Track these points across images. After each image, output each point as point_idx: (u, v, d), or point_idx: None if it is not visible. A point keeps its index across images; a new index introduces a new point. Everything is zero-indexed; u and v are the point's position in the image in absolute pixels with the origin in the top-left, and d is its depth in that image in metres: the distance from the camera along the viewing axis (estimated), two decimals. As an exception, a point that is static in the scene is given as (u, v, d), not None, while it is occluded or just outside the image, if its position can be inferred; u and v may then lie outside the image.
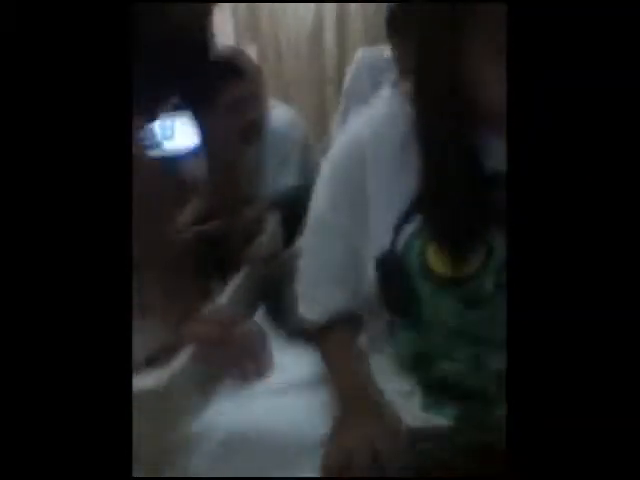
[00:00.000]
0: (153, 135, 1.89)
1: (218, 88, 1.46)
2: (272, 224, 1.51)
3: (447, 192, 0.54)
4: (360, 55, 1.64)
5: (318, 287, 0.67)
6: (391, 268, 0.59)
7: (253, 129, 1.62)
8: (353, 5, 2.46)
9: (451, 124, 0.53)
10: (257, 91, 1.55)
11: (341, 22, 2.53)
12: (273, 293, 1.15)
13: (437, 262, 0.56)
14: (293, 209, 0.96)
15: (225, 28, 2.55)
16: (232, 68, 1.47)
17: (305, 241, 0.68)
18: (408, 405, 0.65)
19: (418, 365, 0.65)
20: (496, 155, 0.54)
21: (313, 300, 0.68)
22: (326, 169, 0.64)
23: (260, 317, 1.13)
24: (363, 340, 0.76)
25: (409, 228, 0.57)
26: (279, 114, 1.64)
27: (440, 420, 0.63)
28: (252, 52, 2.50)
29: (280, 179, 1.63)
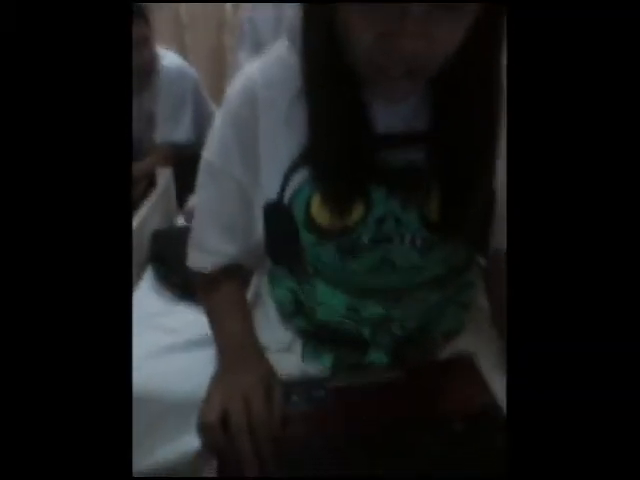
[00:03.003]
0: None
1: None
2: (165, 179, 1.44)
3: (332, 147, 0.54)
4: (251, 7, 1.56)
5: (208, 236, 0.64)
6: (278, 217, 0.59)
7: (142, 73, 1.51)
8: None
9: (336, 82, 0.51)
10: (146, 34, 1.44)
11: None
12: (161, 253, 1.12)
13: (320, 213, 0.56)
14: (187, 165, 0.91)
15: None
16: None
17: (197, 190, 0.65)
18: (288, 357, 0.66)
19: (298, 315, 0.66)
20: (382, 117, 0.54)
21: (202, 249, 0.65)
22: (218, 116, 0.61)
23: (148, 278, 1.10)
24: (248, 294, 0.76)
25: (297, 178, 0.56)
26: (170, 61, 1.54)
27: (317, 369, 0.65)
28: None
29: (173, 132, 1.55)
